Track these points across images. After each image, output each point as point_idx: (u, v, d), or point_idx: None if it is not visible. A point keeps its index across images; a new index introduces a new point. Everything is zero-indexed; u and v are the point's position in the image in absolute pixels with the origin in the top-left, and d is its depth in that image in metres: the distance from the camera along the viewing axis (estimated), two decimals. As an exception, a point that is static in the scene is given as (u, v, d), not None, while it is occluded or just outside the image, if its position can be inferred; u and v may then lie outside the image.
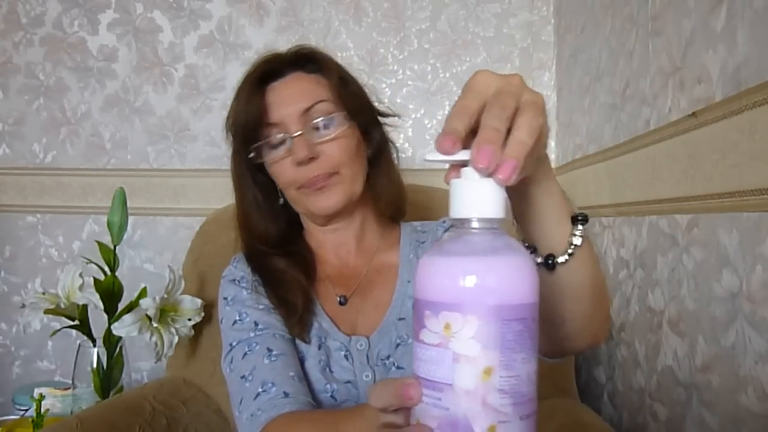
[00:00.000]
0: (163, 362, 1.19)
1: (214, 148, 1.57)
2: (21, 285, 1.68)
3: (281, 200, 0.89)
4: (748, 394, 0.65)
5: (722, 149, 0.69)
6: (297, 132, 0.81)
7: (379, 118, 0.92)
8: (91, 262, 1.17)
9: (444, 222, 0.91)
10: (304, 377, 0.81)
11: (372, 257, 0.90)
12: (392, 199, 0.90)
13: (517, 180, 0.39)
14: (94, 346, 1.13)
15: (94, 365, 1.12)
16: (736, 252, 0.67)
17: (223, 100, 1.57)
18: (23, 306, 1.14)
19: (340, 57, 1.51)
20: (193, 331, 1.14)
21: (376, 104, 0.92)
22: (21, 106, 1.68)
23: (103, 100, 1.64)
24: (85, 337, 1.15)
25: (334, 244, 0.90)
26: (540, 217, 0.52)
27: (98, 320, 1.15)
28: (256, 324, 0.82)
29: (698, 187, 0.75)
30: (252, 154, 0.84)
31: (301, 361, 0.82)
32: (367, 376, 0.82)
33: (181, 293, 1.13)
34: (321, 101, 0.82)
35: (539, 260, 0.53)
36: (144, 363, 1.54)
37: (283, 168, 0.83)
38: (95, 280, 1.13)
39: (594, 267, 0.55)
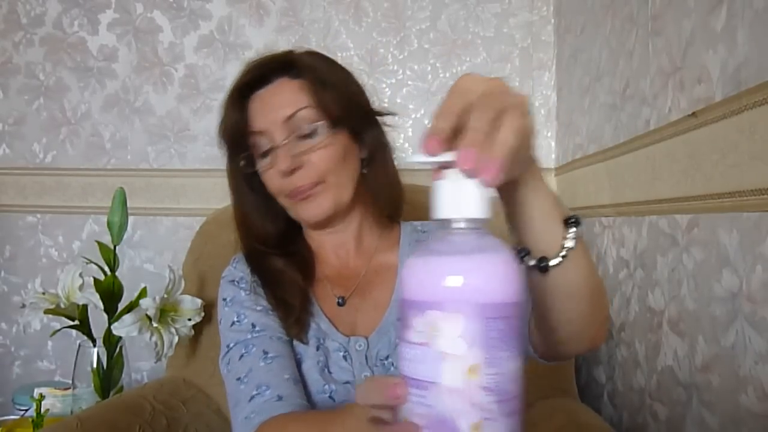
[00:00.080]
0: (163, 362, 1.18)
1: (214, 148, 1.55)
2: (21, 285, 1.68)
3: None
4: (748, 394, 0.65)
5: (722, 149, 0.69)
6: (282, 140, 0.80)
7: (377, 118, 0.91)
8: (91, 262, 1.17)
9: None
10: (303, 378, 0.81)
11: (371, 258, 0.90)
12: (389, 200, 0.89)
13: (502, 181, 0.39)
14: (94, 346, 1.13)
15: (94, 365, 1.12)
16: (736, 252, 0.67)
17: (223, 100, 1.57)
18: (23, 306, 1.14)
19: (340, 57, 1.53)
20: (193, 331, 1.14)
21: (372, 104, 0.91)
22: (21, 106, 1.68)
23: (103, 100, 1.64)
24: (85, 337, 1.15)
25: (333, 245, 0.90)
26: (531, 220, 0.52)
27: (98, 320, 1.15)
28: (254, 326, 0.82)
29: (698, 187, 0.75)
30: (242, 162, 0.84)
31: (300, 362, 0.82)
32: (365, 376, 0.81)
33: (181, 293, 1.13)
34: (304, 108, 0.80)
35: (532, 263, 0.53)
36: (144, 363, 1.54)
37: (270, 177, 0.83)
38: (95, 280, 1.13)
39: (589, 270, 0.55)
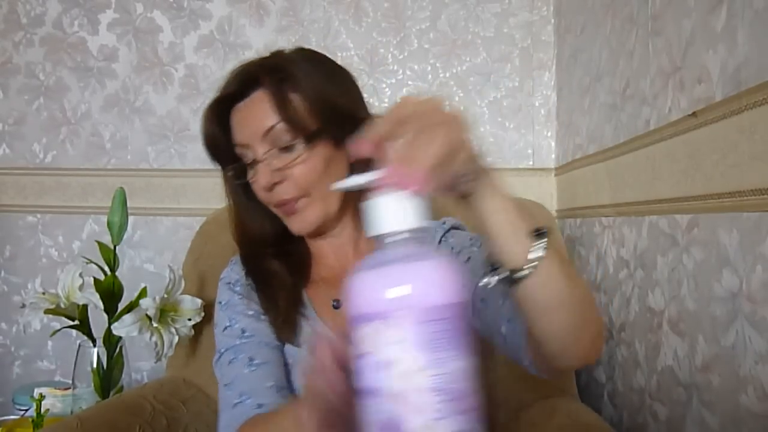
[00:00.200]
0: (163, 362, 1.19)
1: (214, 148, 1.57)
2: (21, 285, 1.68)
3: None
4: (749, 394, 0.65)
5: (722, 149, 0.69)
6: (262, 153, 0.79)
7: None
8: (91, 262, 1.17)
9: (444, 223, 0.89)
10: (295, 382, 0.80)
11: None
12: None
13: (429, 192, 0.42)
14: (94, 346, 1.13)
15: (94, 365, 1.12)
16: (736, 252, 0.67)
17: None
18: (23, 306, 1.14)
19: (340, 57, 1.53)
20: (193, 331, 1.14)
21: (368, 103, 0.88)
22: (21, 106, 1.68)
23: (103, 100, 1.64)
24: (85, 337, 1.15)
25: (331, 248, 0.89)
26: (494, 232, 0.53)
27: (98, 320, 1.15)
28: (243, 331, 0.82)
29: (698, 187, 0.75)
30: (231, 173, 0.84)
31: (292, 366, 0.81)
32: None
33: (181, 293, 1.13)
34: (282, 121, 0.77)
35: (498, 277, 0.53)
36: (144, 363, 1.54)
37: (256, 189, 0.82)
38: (95, 280, 1.13)
39: (565, 282, 0.54)
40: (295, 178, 0.78)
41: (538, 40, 1.48)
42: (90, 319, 1.16)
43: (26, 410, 1.25)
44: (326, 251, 0.90)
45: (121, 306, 1.14)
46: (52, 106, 1.66)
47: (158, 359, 1.10)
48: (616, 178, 1.04)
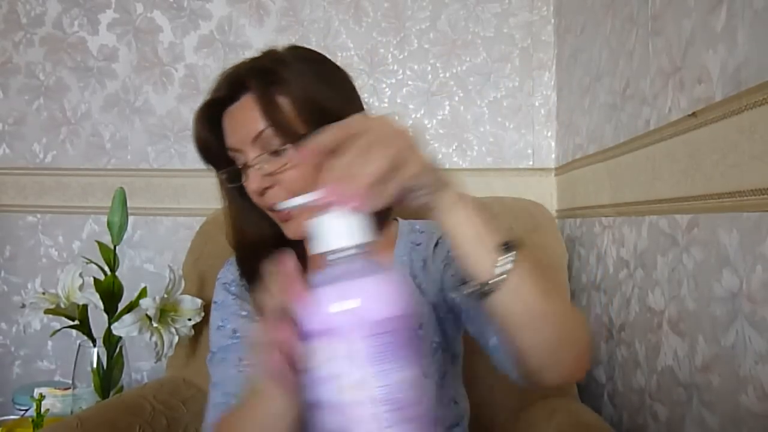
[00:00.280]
0: (163, 362, 1.19)
1: (214, 148, 1.57)
2: (21, 285, 1.68)
3: None
4: (749, 394, 0.65)
5: (722, 149, 0.69)
6: (253, 158, 0.77)
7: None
8: (91, 262, 1.17)
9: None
10: None
11: None
12: None
13: (370, 208, 0.44)
14: (94, 346, 1.13)
15: (94, 365, 1.12)
16: (736, 252, 0.67)
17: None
18: (23, 306, 1.14)
19: (340, 57, 1.53)
20: (193, 331, 1.14)
21: (365, 104, 0.87)
22: (21, 106, 1.68)
23: (103, 100, 1.64)
24: (85, 337, 1.15)
25: None
26: (459, 247, 0.53)
27: (98, 320, 1.15)
28: (235, 331, 0.82)
29: (698, 187, 0.75)
30: (224, 176, 0.83)
31: None
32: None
33: (181, 293, 1.13)
34: (270, 126, 0.75)
35: (465, 291, 0.53)
36: (144, 363, 1.54)
37: (249, 193, 0.81)
38: (95, 280, 1.13)
39: (537, 299, 0.54)
40: (286, 183, 0.77)
41: (538, 40, 1.48)
42: (90, 319, 1.16)
43: (26, 410, 1.25)
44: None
45: (121, 306, 1.14)
46: (52, 106, 1.66)
47: (158, 359, 1.10)
48: (616, 178, 1.04)
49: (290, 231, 0.82)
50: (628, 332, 1.00)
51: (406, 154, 0.48)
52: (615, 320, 1.06)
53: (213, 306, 0.87)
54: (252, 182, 0.77)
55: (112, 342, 1.12)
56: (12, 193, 1.68)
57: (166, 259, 1.57)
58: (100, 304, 1.12)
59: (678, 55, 0.81)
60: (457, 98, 1.50)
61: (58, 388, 1.24)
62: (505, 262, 0.52)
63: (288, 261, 0.47)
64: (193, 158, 1.58)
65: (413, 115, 1.52)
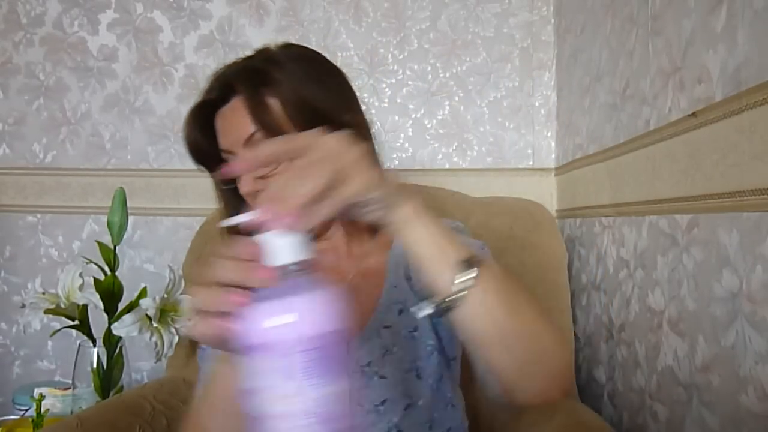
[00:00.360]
0: (163, 362, 1.19)
1: (214, 148, 1.57)
2: (21, 285, 1.68)
3: None
4: (749, 394, 0.65)
5: (722, 149, 0.69)
6: None
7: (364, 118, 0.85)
8: (91, 262, 1.17)
9: None
10: None
11: (361, 260, 0.85)
12: None
13: (305, 227, 0.45)
14: (94, 346, 1.13)
15: (94, 365, 1.12)
16: (736, 252, 0.67)
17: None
18: (23, 306, 1.14)
19: (340, 57, 1.53)
20: (193, 331, 1.13)
21: (363, 104, 0.84)
22: (21, 106, 1.68)
23: (103, 100, 1.64)
24: (85, 337, 1.15)
25: (324, 249, 0.87)
26: (417, 265, 0.53)
27: (98, 320, 1.15)
28: None
29: (698, 187, 0.75)
30: (217, 178, 0.82)
31: None
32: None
33: (181, 293, 1.13)
34: (260, 130, 0.74)
35: (424, 307, 0.53)
36: (144, 363, 1.54)
37: (243, 194, 0.79)
38: (95, 280, 1.13)
39: (502, 316, 0.53)
40: None
41: (538, 40, 1.48)
42: (90, 319, 1.16)
43: (26, 410, 1.25)
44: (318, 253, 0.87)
45: (121, 306, 1.14)
46: (52, 106, 1.66)
47: (158, 359, 1.10)
48: (616, 178, 1.04)
49: None
50: (628, 332, 1.00)
51: (349, 171, 0.48)
52: (615, 320, 1.06)
53: None
54: (244, 185, 0.76)
55: (112, 342, 1.12)
56: (12, 193, 1.68)
57: (166, 259, 1.57)
58: (100, 304, 1.12)
59: (678, 55, 0.81)
60: (457, 98, 1.50)
61: (58, 388, 1.23)
62: (465, 280, 0.51)
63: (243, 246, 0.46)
64: (193, 158, 1.60)
65: (413, 115, 1.52)
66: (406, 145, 1.52)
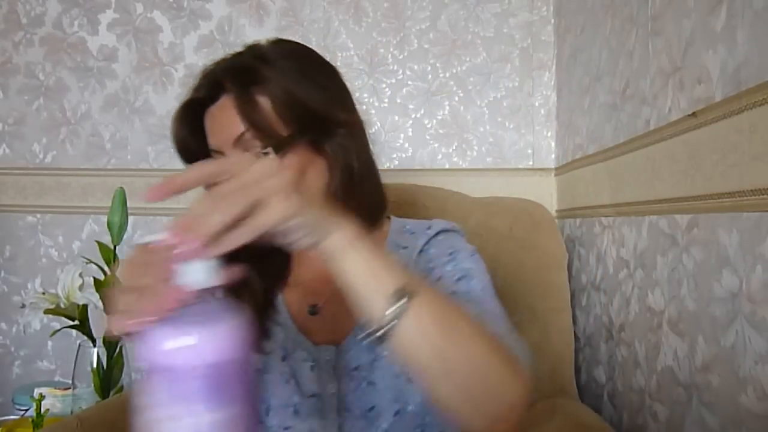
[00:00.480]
0: (163, 362, 1.18)
1: (214, 148, 1.57)
2: (21, 285, 1.68)
3: None
4: (748, 394, 0.65)
5: (722, 149, 0.69)
6: None
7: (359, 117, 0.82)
8: (91, 262, 1.17)
9: (429, 228, 0.82)
10: (264, 391, 0.78)
11: None
12: (367, 205, 0.79)
13: (212, 254, 0.45)
14: (94, 346, 1.13)
15: (94, 365, 1.12)
16: (736, 252, 0.67)
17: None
18: (23, 306, 1.15)
19: (340, 57, 1.53)
20: (193, 331, 1.13)
21: (356, 102, 0.82)
22: (21, 106, 1.68)
23: (103, 100, 1.64)
24: (85, 337, 1.15)
25: (314, 251, 0.84)
26: (350, 294, 0.53)
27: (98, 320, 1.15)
28: None
29: (698, 187, 0.75)
30: None
31: (259, 374, 0.78)
32: (332, 388, 0.76)
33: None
34: (249, 130, 0.71)
35: (360, 337, 0.53)
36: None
37: None
38: (95, 280, 1.14)
39: (439, 347, 0.52)
40: None
41: (538, 40, 1.48)
42: (90, 319, 1.16)
43: (26, 410, 1.25)
44: (309, 253, 0.85)
45: (121, 306, 1.14)
46: (52, 106, 1.66)
47: (158, 359, 1.10)
48: (616, 178, 1.04)
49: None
50: (628, 332, 1.00)
51: (268, 199, 0.48)
52: (615, 320, 1.06)
53: None
54: None
55: (112, 342, 1.12)
56: (12, 193, 1.68)
57: (166, 259, 1.56)
58: (100, 304, 1.12)
59: (678, 55, 0.81)
60: (457, 98, 1.50)
61: (58, 388, 1.24)
62: (395, 309, 0.51)
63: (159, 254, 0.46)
64: (193, 158, 1.59)
65: (413, 115, 1.52)
66: (406, 145, 1.52)
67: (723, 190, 0.69)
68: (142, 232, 1.61)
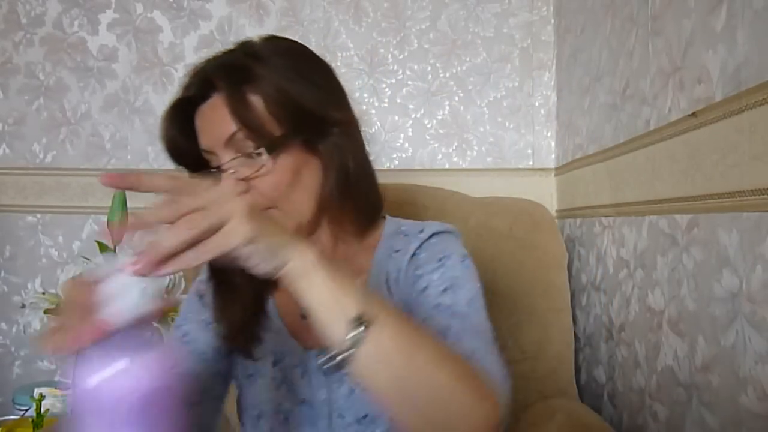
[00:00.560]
0: (163, 362, 1.18)
1: (214, 148, 1.57)
2: (21, 285, 1.68)
3: None
4: (748, 394, 0.65)
5: (722, 149, 0.69)
6: (226, 161, 0.71)
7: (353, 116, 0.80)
8: (91, 262, 1.17)
9: (422, 231, 0.79)
10: (253, 398, 0.77)
11: (347, 262, 0.80)
12: (360, 207, 0.78)
13: (159, 274, 0.47)
14: (94, 346, 1.13)
15: (94, 365, 1.12)
16: (736, 252, 0.67)
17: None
18: (23, 306, 1.14)
19: (340, 57, 1.53)
20: (193, 331, 1.14)
21: (351, 101, 0.79)
22: (21, 106, 1.68)
23: (103, 100, 1.64)
24: (85, 337, 1.15)
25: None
26: (311, 317, 0.53)
27: (98, 320, 1.15)
28: (185, 335, 0.79)
29: (698, 187, 0.75)
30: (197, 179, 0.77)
31: (250, 381, 0.78)
32: (322, 394, 0.75)
33: (182, 293, 1.13)
34: (241, 130, 0.69)
35: (320, 362, 0.53)
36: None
37: None
38: (95, 280, 1.13)
39: (397, 372, 0.52)
40: (261, 190, 0.70)
41: (538, 40, 1.48)
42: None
43: (26, 410, 1.25)
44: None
45: (121, 306, 1.14)
46: (52, 106, 1.66)
47: (158, 359, 1.10)
48: (616, 178, 1.04)
49: None
50: (628, 332, 1.00)
51: (227, 224, 0.48)
52: (615, 320, 1.06)
53: (184, 300, 0.85)
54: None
55: (112, 342, 1.12)
56: (12, 193, 1.68)
57: (166, 259, 1.56)
58: (100, 304, 1.12)
59: (678, 55, 0.81)
60: (457, 98, 1.50)
61: (58, 388, 1.23)
62: (353, 336, 0.51)
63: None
64: (193, 158, 1.59)
65: (413, 115, 1.52)
66: (406, 145, 1.52)
67: (723, 190, 0.69)
68: (142, 233, 1.61)
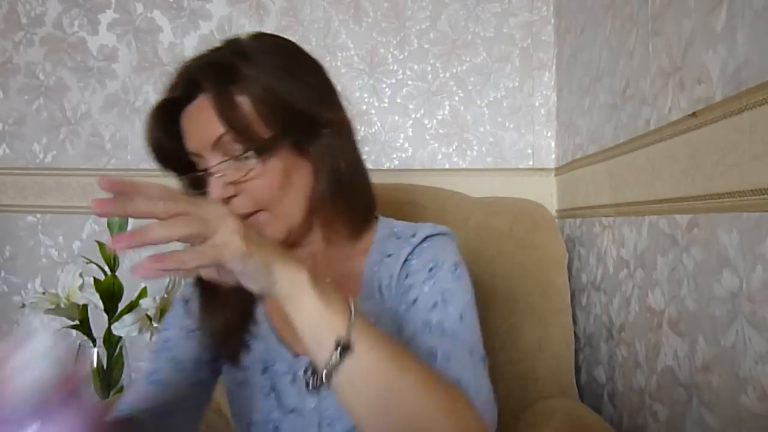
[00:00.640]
0: (163, 362, 1.18)
1: (214, 148, 1.57)
2: (21, 285, 1.68)
3: None
4: (749, 394, 0.65)
5: (722, 149, 0.69)
6: (214, 164, 0.69)
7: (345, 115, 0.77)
8: (91, 262, 1.17)
9: (414, 236, 0.77)
10: (243, 406, 0.77)
11: (340, 265, 0.79)
12: (353, 209, 0.77)
13: (151, 277, 0.50)
14: (94, 346, 1.13)
15: (94, 365, 1.12)
16: (736, 252, 0.67)
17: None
18: (23, 306, 1.14)
19: (340, 57, 1.53)
20: (193, 331, 1.13)
21: (342, 101, 0.77)
22: (21, 106, 1.68)
23: (103, 100, 1.64)
24: (85, 337, 1.15)
25: (302, 255, 0.78)
26: (299, 335, 0.54)
27: (98, 320, 1.15)
28: (166, 340, 0.78)
29: (698, 187, 0.75)
30: (183, 182, 0.74)
31: (239, 389, 0.78)
32: (311, 402, 0.74)
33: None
34: (229, 132, 0.67)
35: (304, 379, 0.54)
36: (144, 363, 1.54)
37: (213, 199, 0.71)
38: (95, 280, 1.13)
39: (379, 398, 0.53)
40: (250, 192, 0.69)
41: (538, 40, 1.48)
42: (90, 319, 1.16)
43: (26, 410, 1.25)
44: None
45: (121, 306, 1.14)
46: (52, 106, 1.66)
47: (158, 359, 1.10)
48: (616, 178, 1.04)
49: None
50: (628, 332, 1.00)
51: (223, 237, 0.50)
52: (615, 320, 1.06)
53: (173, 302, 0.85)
54: (214, 191, 0.68)
55: (112, 342, 1.12)
56: (12, 193, 1.68)
57: (166, 259, 1.56)
58: (100, 304, 1.12)
59: (678, 55, 0.81)
60: (457, 98, 1.50)
61: None
62: (334, 360, 0.52)
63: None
64: (193, 158, 1.59)
65: (413, 115, 1.52)
66: (406, 145, 1.52)
67: (723, 190, 0.69)
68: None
